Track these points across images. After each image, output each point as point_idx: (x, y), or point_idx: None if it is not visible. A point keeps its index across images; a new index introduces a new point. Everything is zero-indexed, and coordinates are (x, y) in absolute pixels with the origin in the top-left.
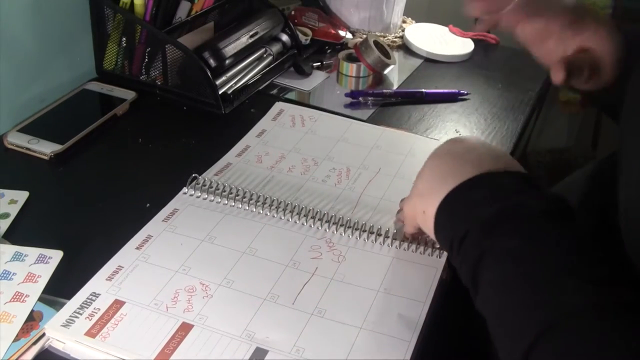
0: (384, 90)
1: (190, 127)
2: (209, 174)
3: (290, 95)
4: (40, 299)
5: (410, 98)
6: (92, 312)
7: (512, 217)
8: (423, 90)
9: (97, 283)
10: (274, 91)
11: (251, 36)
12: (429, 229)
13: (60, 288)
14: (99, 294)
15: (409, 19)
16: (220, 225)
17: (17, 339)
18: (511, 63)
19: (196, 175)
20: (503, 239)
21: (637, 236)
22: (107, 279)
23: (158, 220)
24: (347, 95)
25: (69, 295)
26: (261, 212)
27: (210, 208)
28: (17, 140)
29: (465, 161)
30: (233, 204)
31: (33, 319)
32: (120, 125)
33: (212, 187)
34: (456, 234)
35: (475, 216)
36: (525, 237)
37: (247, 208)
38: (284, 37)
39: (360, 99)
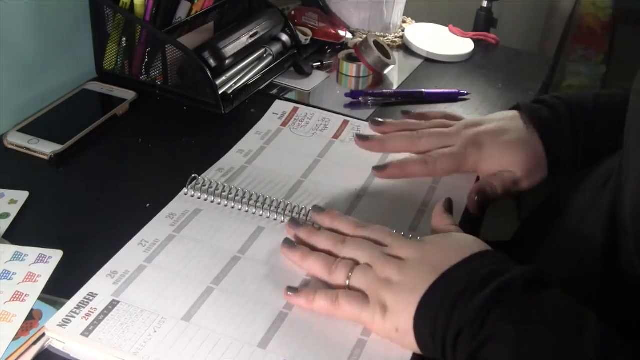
0: (384, 90)
1: (190, 127)
2: (209, 174)
3: (290, 95)
4: (40, 299)
5: (410, 98)
6: (89, 311)
7: (498, 304)
8: (423, 90)
9: (95, 283)
10: (274, 91)
11: (251, 36)
12: (409, 345)
13: (60, 288)
14: (97, 294)
15: (409, 19)
16: (220, 226)
17: (16, 337)
18: (511, 63)
19: (196, 175)
20: (497, 330)
21: None
22: (105, 279)
23: (158, 221)
24: (347, 95)
25: (69, 295)
26: (261, 213)
27: (210, 209)
28: (17, 140)
29: (427, 266)
30: (233, 204)
31: (32, 318)
32: (120, 125)
33: (212, 188)
34: (447, 336)
35: (462, 314)
36: (518, 323)
37: (247, 209)
38: (284, 37)
39: (360, 99)
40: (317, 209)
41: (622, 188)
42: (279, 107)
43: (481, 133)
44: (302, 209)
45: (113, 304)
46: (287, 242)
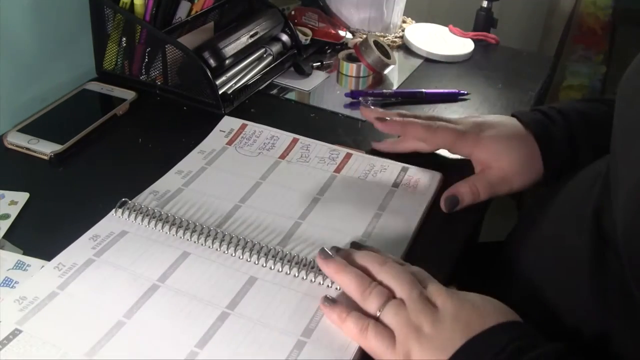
0: (384, 90)
1: (190, 127)
2: (141, 197)
3: (290, 95)
4: None
5: (410, 98)
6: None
7: None
8: (423, 90)
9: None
10: (274, 91)
11: (251, 36)
12: None
13: None
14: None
15: (409, 19)
16: (144, 251)
17: None
18: (511, 63)
19: (126, 199)
20: None
21: (634, 245)
22: (12, 304)
23: (80, 243)
24: (347, 95)
25: None
26: (189, 239)
27: (138, 232)
28: (17, 140)
29: (460, 324)
30: (161, 229)
31: None
32: (120, 125)
33: (142, 212)
34: None
35: None
36: None
37: (174, 234)
38: (284, 37)
39: (360, 99)
40: (356, 245)
41: (609, 199)
42: (227, 123)
43: (484, 122)
44: (232, 237)
45: (15, 334)
46: (323, 253)
